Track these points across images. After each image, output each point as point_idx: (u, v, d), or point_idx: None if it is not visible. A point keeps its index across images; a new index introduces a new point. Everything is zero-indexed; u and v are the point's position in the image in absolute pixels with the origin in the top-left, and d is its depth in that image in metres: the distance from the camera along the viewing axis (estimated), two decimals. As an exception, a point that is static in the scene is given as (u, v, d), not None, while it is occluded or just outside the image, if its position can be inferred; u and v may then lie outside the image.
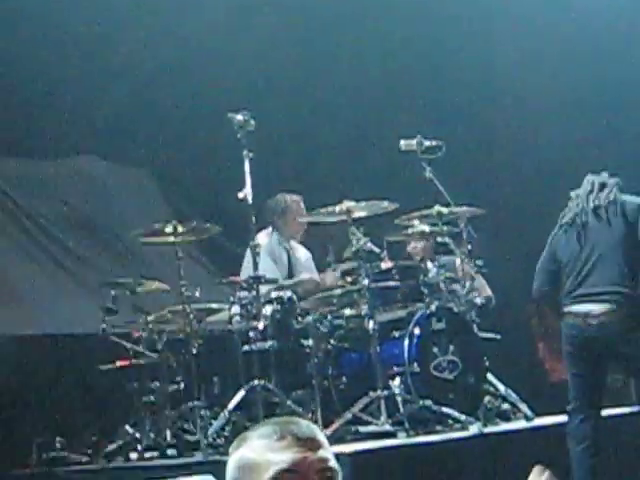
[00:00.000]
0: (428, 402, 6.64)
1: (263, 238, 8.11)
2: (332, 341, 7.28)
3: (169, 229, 6.93)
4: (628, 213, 6.18)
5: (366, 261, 6.95)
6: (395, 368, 6.92)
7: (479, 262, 7.43)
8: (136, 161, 10.08)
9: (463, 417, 6.62)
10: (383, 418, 6.49)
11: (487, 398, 7.03)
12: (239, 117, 6.93)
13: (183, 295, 6.84)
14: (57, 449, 7.25)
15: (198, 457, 6.38)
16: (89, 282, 8.90)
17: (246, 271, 7.56)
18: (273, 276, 7.52)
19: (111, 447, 6.93)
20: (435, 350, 7.00)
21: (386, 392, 6.61)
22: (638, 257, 6.17)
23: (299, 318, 7.23)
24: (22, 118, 9.16)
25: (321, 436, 2.25)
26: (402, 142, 7.60)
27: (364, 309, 6.86)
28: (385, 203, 7.15)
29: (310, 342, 7.02)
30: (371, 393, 6.59)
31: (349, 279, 7.32)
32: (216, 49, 9.57)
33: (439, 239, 7.73)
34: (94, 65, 9.36)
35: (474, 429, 6.49)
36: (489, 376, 7.21)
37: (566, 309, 6.22)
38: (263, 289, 7.10)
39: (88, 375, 7.73)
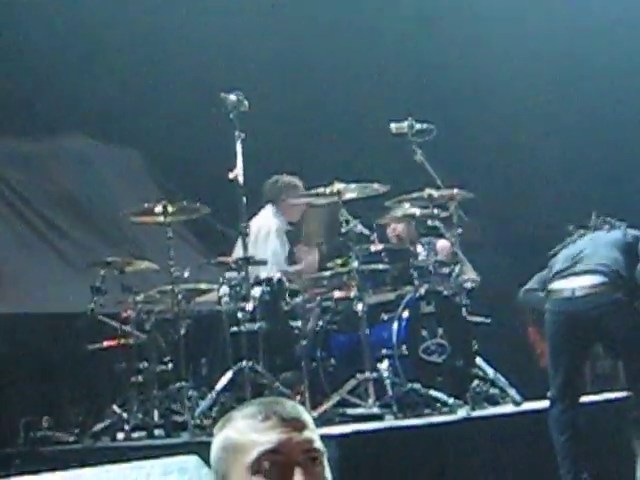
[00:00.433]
0: (416, 385, 6.63)
1: (269, 218, 8.10)
2: (320, 323, 7.27)
3: (159, 209, 6.88)
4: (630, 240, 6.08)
5: (356, 243, 6.94)
6: (384, 351, 6.90)
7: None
8: (125, 141, 10.05)
9: (451, 400, 6.61)
10: (371, 401, 6.48)
11: (476, 382, 7.01)
12: (232, 97, 6.89)
13: (172, 275, 6.81)
14: (44, 428, 7.26)
15: (185, 437, 6.36)
16: (77, 261, 8.88)
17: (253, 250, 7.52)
18: (279, 262, 7.67)
19: (98, 427, 6.93)
20: (424, 333, 6.99)
21: (374, 375, 6.60)
22: (635, 258, 6.03)
23: (288, 299, 7.21)
24: (12, 97, 9.12)
25: (306, 416, 2.23)
26: (393, 125, 7.58)
27: (353, 291, 6.84)
28: (376, 185, 7.12)
29: (299, 324, 7.02)
30: (359, 375, 6.58)
31: (339, 261, 7.30)
32: (209, 29, 9.53)
33: (429, 222, 7.71)
34: (84, 45, 9.32)
35: (462, 413, 6.49)
36: (478, 360, 7.19)
37: (551, 286, 6.06)
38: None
39: (76, 355, 7.71)
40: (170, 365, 7.09)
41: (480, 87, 10.30)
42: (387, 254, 7.31)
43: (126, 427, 6.76)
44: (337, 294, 7.30)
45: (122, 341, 7.16)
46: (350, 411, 6.54)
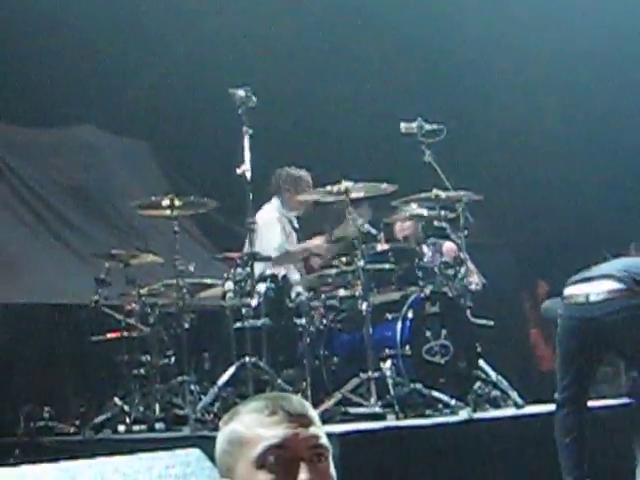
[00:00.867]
0: (418, 385, 6.62)
1: (273, 210, 8.11)
2: (324, 321, 7.27)
3: (166, 202, 6.88)
4: None
5: (362, 242, 6.93)
6: (387, 350, 6.89)
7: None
8: (135, 133, 10.05)
9: (453, 402, 6.60)
10: (373, 400, 6.47)
11: (478, 384, 7.01)
12: (241, 93, 6.89)
13: (177, 269, 6.81)
14: (45, 419, 7.26)
15: (186, 432, 6.36)
16: (83, 252, 8.89)
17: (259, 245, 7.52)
18: (281, 245, 7.73)
19: (99, 419, 6.92)
20: (428, 334, 6.98)
21: (377, 374, 6.58)
22: None
23: (292, 296, 7.21)
24: (22, 87, 9.12)
25: (312, 412, 2.23)
26: (402, 125, 7.57)
27: (358, 290, 6.84)
28: (384, 185, 7.10)
29: (303, 321, 7.01)
30: (362, 374, 6.57)
31: (344, 259, 7.29)
32: (219, 24, 9.53)
33: (436, 223, 7.70)
34: (95, 36, 9.32)
35: (463, 414, 6.48)
36: (481, 362, 7.19)
37: (566, 292, 5.84)
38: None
39: (79, 346, 7.72)
40: (173, 359, 7.10)
41: (491, 89, 10.28)
42: (393, 254, 7.30)
43: (127, 420, 6.76)
44: (342, 293, 7.29)
45: (125, 334, 7.15)
46: (352, 410, 6.53)
